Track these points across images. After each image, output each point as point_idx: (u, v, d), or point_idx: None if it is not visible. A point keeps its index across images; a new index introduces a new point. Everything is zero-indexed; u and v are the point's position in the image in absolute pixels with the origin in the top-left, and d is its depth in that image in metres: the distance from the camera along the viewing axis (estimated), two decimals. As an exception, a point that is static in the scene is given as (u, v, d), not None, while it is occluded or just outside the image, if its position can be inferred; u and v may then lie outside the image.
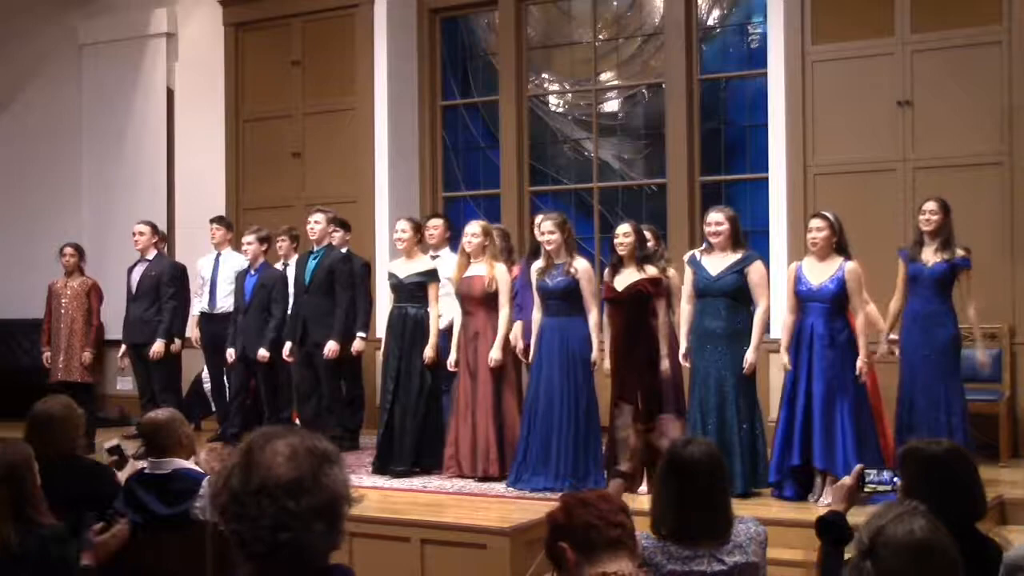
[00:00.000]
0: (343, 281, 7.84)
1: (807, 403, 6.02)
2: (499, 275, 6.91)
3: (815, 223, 6.14)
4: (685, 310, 6.44)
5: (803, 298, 6.12)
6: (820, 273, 6.07)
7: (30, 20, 11.27)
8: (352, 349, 7.93)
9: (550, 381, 6.58)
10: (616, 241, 6.65)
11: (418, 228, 7.41)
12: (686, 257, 6.63)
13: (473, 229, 7.02)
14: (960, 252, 6.35)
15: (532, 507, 5.79)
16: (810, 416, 6.01)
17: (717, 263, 6.32)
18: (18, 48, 11.34)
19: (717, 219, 6.34)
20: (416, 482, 6.85)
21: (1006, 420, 7.09)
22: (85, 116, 10.91)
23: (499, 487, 6.62)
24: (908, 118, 7.76)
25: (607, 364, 6.66)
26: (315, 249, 7.96)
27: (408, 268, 7.21)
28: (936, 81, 7.67)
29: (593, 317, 6.65)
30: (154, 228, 8.95)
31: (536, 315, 6.75)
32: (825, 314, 6.04)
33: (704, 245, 6.52)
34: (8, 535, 3.22)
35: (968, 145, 7.59)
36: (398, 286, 7.22)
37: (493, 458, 6.81)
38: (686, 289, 6.45)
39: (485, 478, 6.76)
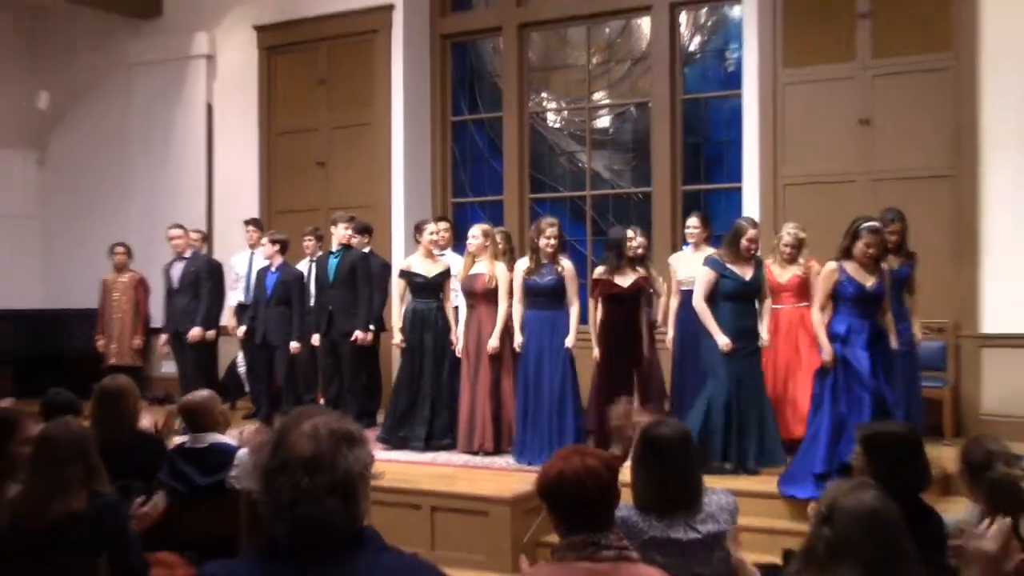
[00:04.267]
0: (365, 278, 7.87)
1: (876, 402, 5.42)
2: (498, 273, 6.96)
3: (875, 239, 5.60)
4: (703, 307, 6.16)
5: (855, 299, 5.60)
6: (867, 276, 5.63)
7: (87, 43, 11.31)
8: (368, 339, 7.96)
9: (540, 367, 6.61)
10: (631, 244, 6.81)
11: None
12: (706, 260, 6.36)
13: (475, 232, 7.06)
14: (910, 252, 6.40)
15: (530, 479, 5.74)
16: (885, 412, 5.38)
17: (745, 269, 6.16)
18: (76, 67, 11.39)
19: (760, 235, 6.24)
20: (427, 456, 6.88)
21: (950, 404, 7.11)
22: (134, 128, 10.91)
23: (501, 461, 6.64)
24: (868, 135, 7.77)
25: (596, 352, 6.67)
26: (334, 250, 7.98)
27: (434, 268, 7.26)
28: (893, 102, 7.68)
29: (576, 309, 6.71)
30: (185, 229, 8.98)
31: (519, 308, 6.74)
32: (878, 313, 5.69)
33: (727, 250, 6.20)
34: (80, 503, 3.26)
35: (921, 159, 7.59)
36: (425, 284, 7.22)
37: (489, 435, 6.84)
38: (705, 289, 6.16)
39: (485, 453, 6.79)
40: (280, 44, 10.21)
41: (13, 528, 3.23)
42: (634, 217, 8.96)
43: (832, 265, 5.68)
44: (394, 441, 7.12)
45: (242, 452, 4.24)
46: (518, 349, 6.74)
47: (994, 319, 7.25)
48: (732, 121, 8.62)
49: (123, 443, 4.24)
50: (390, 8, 9.61)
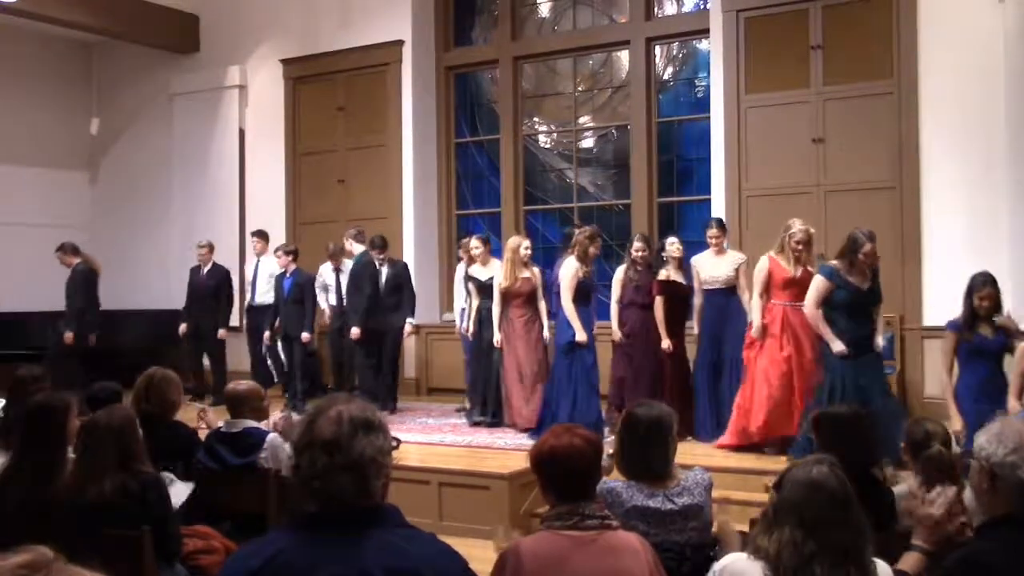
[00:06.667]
0: (408, 285, 7.92)
1: None
2: (537, 278, 6.99)
3: (989, 291, 4.83)
4: (815, 314, 5.53)
5: (976, 351, 4.87)
6: (986, 328, 4.87)
7: (133, 76, 11.26)
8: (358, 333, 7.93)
9: (589, 355, 6.49)
10: (672, 249, 6.66)
11: (486, 242, 7.44)
12: (821, 269, 5.68)
13: (527, 243, 7.01)
14: None
15: (526, 457, 5.76)
16: None
17: (862, 280, 5.51)
18: (124, 97, 11.35)
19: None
20: (436, 436, 6.84)
21: (897, 388, 7.08)
22: (175, 151, 10.87)
23: (500, 442, 6.57)
24: (820, 152, 7.75)
25: (666, 343, 6.51)
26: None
27: (485, 272, 7.28)
28: (843, 123, 7.66)
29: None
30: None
31: (572, 306, 6.50)
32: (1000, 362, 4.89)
33: (843, 261, 5.53)
34: (124, 480, 3.24)
35: (867, 173, 7.57)
36: (480, 286, 7.25)
37: (536, 412, 6.78)
38: (817, 297, 5.52)
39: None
40: (304, 75, 10.18)
41: (68, 505, 3.20)
42: (615, 226, 8.94)
43: (951, 335, 4.92)
44: (479, 420, 7.18)
45: (271, 436, 4.21)
46: (582, 342, 6.43)
47: (934, 313, 7.21)
48: (701, 141, 8.59)
49: (159, 431, 4.15)
50: (400, 44, 9.60)
